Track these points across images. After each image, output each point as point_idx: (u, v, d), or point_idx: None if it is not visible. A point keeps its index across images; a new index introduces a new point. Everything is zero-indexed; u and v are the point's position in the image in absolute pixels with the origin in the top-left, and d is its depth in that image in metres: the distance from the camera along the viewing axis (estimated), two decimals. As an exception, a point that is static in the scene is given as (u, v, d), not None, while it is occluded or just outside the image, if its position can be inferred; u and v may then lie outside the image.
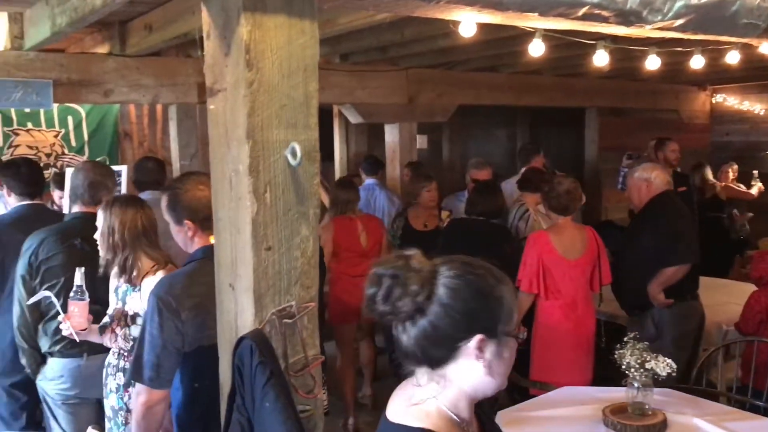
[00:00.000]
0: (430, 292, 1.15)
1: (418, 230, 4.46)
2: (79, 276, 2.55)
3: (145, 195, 3.84)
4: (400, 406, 1.20)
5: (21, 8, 3.96)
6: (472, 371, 1.18)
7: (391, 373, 4.83)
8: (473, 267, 1.20)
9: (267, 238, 1.42)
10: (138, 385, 2.09)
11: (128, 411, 2.64)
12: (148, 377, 2.04)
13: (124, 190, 4.64)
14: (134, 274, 2.54)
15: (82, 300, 2.51)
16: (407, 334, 1.17)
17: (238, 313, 1.47)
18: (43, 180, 3.67)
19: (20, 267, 3.01)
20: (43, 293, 2.74)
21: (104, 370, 2.69)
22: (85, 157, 5.55)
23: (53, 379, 3.04)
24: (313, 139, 1.45)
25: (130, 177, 4.42)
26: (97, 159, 5.50)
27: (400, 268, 1.16)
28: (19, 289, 3.01)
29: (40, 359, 3.06)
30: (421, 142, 6.10)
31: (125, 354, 2.56)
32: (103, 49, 4.71)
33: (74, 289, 2.54)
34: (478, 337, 1.16)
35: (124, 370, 2.57)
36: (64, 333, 2.58)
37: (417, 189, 4.51)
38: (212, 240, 2.09)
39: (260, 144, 1.40)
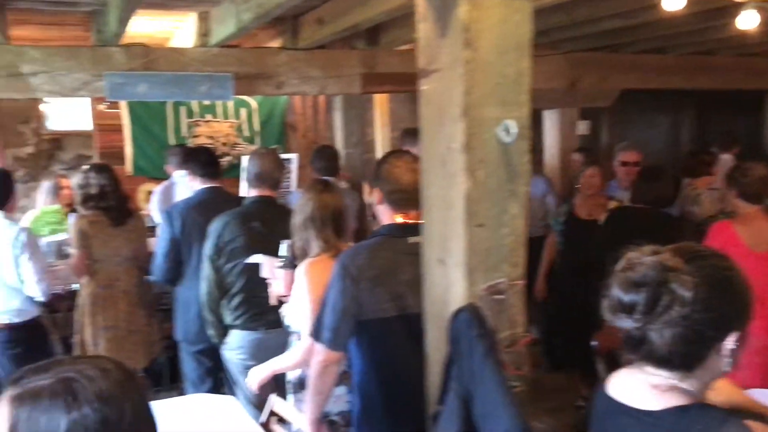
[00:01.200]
0: (694, 294, 1.09)
1: (581, 219, 4.31)
2: (284, 247, 2.75)
3: (327, 181, 4.04)
4: (646, 394, 1.17)
5: (208, 7, 4.30)
6: (717, 365, 1.15)
7: (538, 363, 4.75)
8: (718, 259, 1.14)
9: (478, 215, 1.45)
10: (317, 345, 2.19)
11: (289, 382, 2.80)
12: (327, 338, 2.14)
13: (293, 177, 4.94)
14: (308, 256, 2.69)
15: (286, 269, 2.71)
16: (662, 339, 1.12)
17: (448, 287, 1.51)
18: (220, 166, 3.96)
19: (207, 247, 3.26)
20: (257, 257, 2.96)
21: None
22: (256, 146, 5.93)
23: (234, 350, 3.30)
24: (525, 116, 1.45)
25: (304, 164, 4.66)
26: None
27: (661, 271, 1.10)
28: (206, 268, 3.28)
29: (224, 331, 3.33)
30: (584, 128, 5.87)
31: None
32: (275, 44, 5.01)
33: (280, 258, 2.74)
34: (734, 335, 1.13)
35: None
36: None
37: (579, 174, 4.38)
38: (397, 219, 2.19)
39: (475, 121, 1.42)
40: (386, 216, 2.22)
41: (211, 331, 3.35)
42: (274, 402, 2.76)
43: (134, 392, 1.01)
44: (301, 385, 2.77)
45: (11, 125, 6.88)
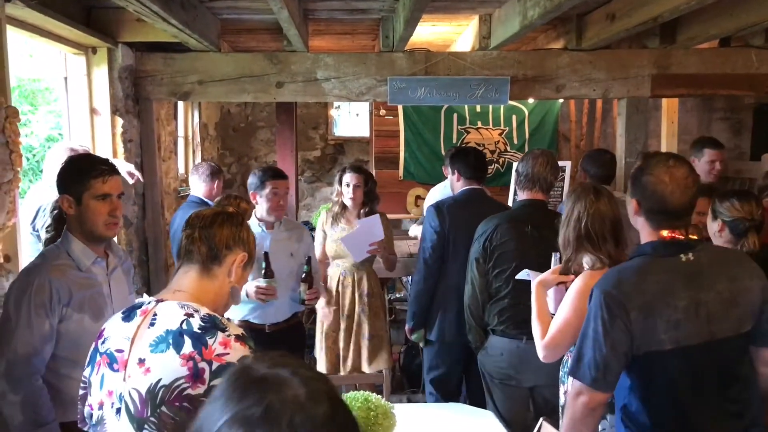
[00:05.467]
0: None
1: None
2: (554, 260, 2.56)
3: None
4: None
5: (492, 9, 4.21)
6: None
7: None
8: None
9: None
10: (578, 384, 1.90)
11: (562, 407, 2.53)
12: (591, 377, 1.86)
13: (566, 186, 4.61)
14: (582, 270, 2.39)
15: (557, 285, 2.49)
16: None
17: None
18: (486, 170, 3.81)
19: (474, 250, 3.12)
20: (526, 272, 2.76)
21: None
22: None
23: (492, 356, 3.12)
24: None
25: (573, 175, 4.33)
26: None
27: None
28: (472, 271, 3.13)
29: (484, 337, 3.17)
30: None
31: None
32: (555, 46, 4.75)
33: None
34: None
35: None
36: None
37: None
38: (663, 233, 1.89)
39: None
40: (645, 231, 1.93)
41: (470, 335, 3.22)
42: (542, 426, 2.51)
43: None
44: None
45: (305, 131, 7.66)
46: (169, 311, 1.51)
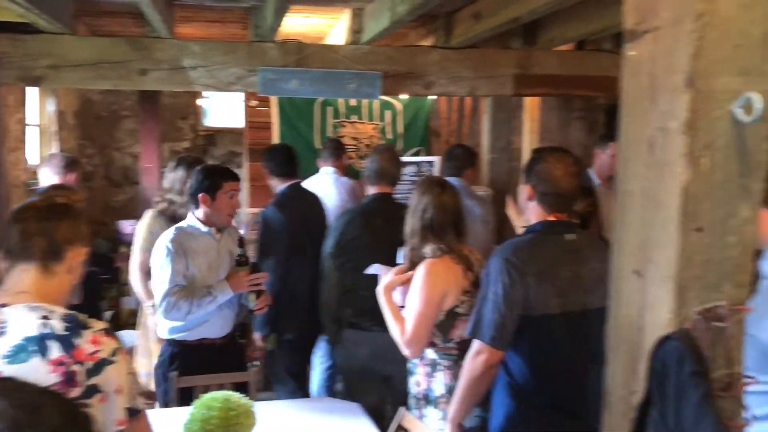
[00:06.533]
0: None
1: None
2: (401, 254, 2.66)
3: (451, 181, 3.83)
4: None
5: (363, 4, 4.21)
6: None
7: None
8: None
9: (697, 217, 1.11)
10: (478, 344, 2.11)
11: (413, 397, 2.63)
12: (490, 336, 2.06)
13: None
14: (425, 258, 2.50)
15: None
16: None
17: (647, 307, 1.19)
18: (297, 164, 3.83)
19: (328, 245, 3.19)
20: (375, 266, 2.80)
21: None
22: (399, 149, 5.80)
23: (348, 349, 3.20)
24: (770, 91, 1.11)
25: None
26: (411, 150, 5.75)
27: None
28: (326, 266, 3.18)
29: (340, 331, 3.22)
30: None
31: None
32: (426, 44, 4.85)
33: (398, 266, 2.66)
34: None
35: None
36: None
37: None
38: (550, 218, 2.16)
39: (703, 94, 1.09)
40: (535, 213, 2.20)
41: (326, 330, 3.29)
42: (403, 415, 2.55)
43: None
44: (426, 400, 2.57)
45: (172, 121, 7.31)
46: (20, 316, 1.39)
